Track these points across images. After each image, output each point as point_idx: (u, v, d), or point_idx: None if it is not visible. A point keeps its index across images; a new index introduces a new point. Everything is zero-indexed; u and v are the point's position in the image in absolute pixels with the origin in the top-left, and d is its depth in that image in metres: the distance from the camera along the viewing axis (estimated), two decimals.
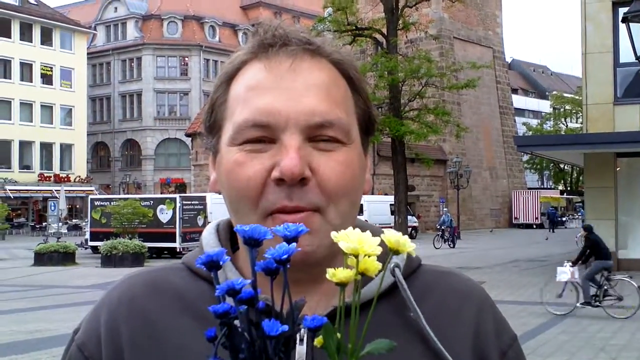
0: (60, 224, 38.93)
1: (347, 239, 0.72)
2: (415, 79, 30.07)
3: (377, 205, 39.22)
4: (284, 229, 0.71)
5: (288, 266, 0.70)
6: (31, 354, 10.42)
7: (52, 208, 37.74)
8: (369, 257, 0.72)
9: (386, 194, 36.87)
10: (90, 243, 32.39)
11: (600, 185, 21.56)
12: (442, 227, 37.60)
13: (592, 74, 21.63)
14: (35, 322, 13.38)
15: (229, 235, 1.10)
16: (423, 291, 1.05)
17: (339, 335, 0.71)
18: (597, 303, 13.20)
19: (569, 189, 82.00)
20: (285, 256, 0.68)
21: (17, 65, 61.71)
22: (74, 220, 56.95)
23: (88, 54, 68.91)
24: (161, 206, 30.82)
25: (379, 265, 0.73)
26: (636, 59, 11.67)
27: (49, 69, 63.87)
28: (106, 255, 25.83)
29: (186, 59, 71.56)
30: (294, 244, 0.70)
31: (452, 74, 33.31)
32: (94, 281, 21.02)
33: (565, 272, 13.55)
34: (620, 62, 21.34)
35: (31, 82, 62.64)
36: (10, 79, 61.13)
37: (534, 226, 61.98)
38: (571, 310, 13.26)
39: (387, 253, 0.76)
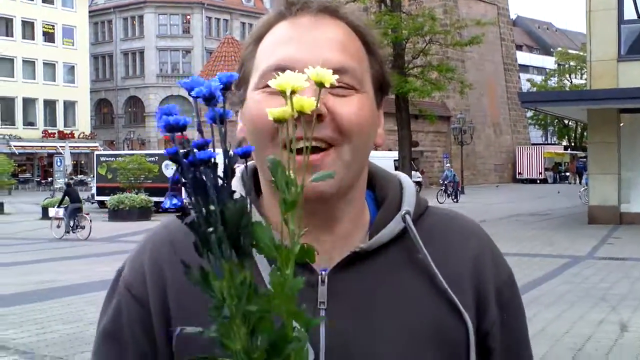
0: (66, 179, 39.21)
1: (276, 79, 0.76)
2: (419, 37, 29.99)
3: (381, 161, 38.30)
4: (217, 75, 0.76)
5: (220, 111, 0.75)
6: (44, 302, 10.66)
7: (58, 164, 37.98)
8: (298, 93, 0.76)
9: (390, 150, 36.93)
10: (97, 198, 32.75)
11: (604, 141, 21.71)
12: (445, 182, 37.84)
13: (597, 31, 21.60)
14: (48, 273, 13.65)
15: (252, 181, 1.17)
16: (430, 233, 1.15)
17: (289, 173, 0.74)
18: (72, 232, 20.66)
19: (573, 144, 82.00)
20: (207, 92, 0.74)
21: (19, 24, 61.47)
22: (79, 176, 57.26)
23: (90, 12, 68.52)
24: (166, 162, 31.02)
25: (313, 100, 0.76)
26: (638, 18, 11.70)
27: (51, 27, 63.63)
28: (113, 210, 26.14)
29: (188, 16, 71.09)
30: (219, 83, 0.75)
31: (456, 31, 33.17)
32: (104, 234, 21.31)
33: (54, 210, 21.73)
34: (625, 19, 21.32)
35: (33, 40, 62.43)
36: (12, 37, 60.92)
37: (538, 181, 62.19)
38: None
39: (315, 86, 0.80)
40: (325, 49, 1.05)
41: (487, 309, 1.15)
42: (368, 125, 1.07)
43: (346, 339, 1.04)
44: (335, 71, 0.96)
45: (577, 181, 55.76)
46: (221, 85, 0.75)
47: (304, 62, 1.01)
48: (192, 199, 0.74)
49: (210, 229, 0.72)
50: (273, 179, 0.74)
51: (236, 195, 0.73)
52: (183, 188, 0.74)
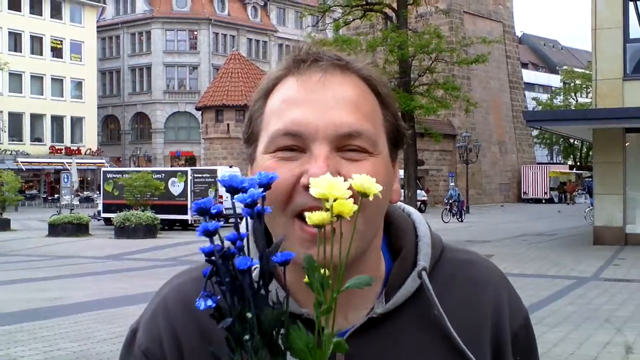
0: (72, 195, 39.30)
1: (316, 184, 0.78)
2: (425, 54, 30.09)
3: None
4: (257, 175, 0.80)
5: (259, 209, 0.79)
6: (53, 319, 10.66)
7: (65, 180, 38.02)
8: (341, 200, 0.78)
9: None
10: (103, 215, 32.82)
11: (609, 161, 21.67)
12: (450, 202, 37.82)
13: (602, 50, 21.64)
14: (56, 290, 13.67)
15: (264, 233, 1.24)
16: (446, 286, 1.13)
17: (322, 270, 0.76)
18: None
19: (578, 164, 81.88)
20: (249, 200, 0.77)
21: (28, 39, 61.86)
22: (85, 192, 57.38)
23: (97, 27, 68.92)
24: (172, 179, 31.20)
25: (354, 206, 0.77)
26: None
27: (59, 42, 64.01)
28: (119, 227, 26.19)
29: (195, 32, 71.45)
30: (261, 189, 0.78)
31: (462, 49, 33.30)
32: (109, 252, 21.37)
33: None
34: (630, 37, 21.37)
35: (41, 55, 62.78)
36: (21, 52, 61.29)
37: (543, 201, 62.08)
38: None
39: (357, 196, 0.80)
40: (337, 111, 1.02)
41: (503, 356, 1.15)
42: (383, 191, 1.00)
43: None
44: (349, 135, 1.01)
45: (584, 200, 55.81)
46: (263, 193, 0.78)
47: (314, 127, 1.01)
48: (228, 300, 0.77)
49: (247, 337, 0.75)
50: (308, 279, 0.76)
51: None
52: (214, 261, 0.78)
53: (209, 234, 0.78)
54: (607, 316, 10.78)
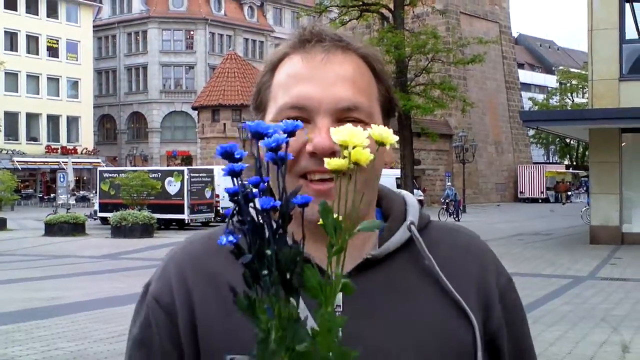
0: (68, 195, 39.27)
1: (338, 132, 0.83)
2: (422, 54, 30.13)
3: (384, 179, 37.38)
4: (283, 123, 0.84)
5: (284, 155, 0.82)
6: (50, 319, 10.66)
7: (62, 179, 38.03)
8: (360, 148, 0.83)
9: (392, 168, 37.11)
10: (99, 214, 32.79)
11: (606, 160, 21.73)
12: (447, 201, 37.86)
13: (598, 50, 21.69)
14: (52, 289, 13.66)
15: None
16: (434, 242, 1.24)
17: (336, 215, 0.81)
18: None
19: (574, 163, 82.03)
20: (274, 144, 0.81)
21: (24, 38, 61.83)
22: (81, 192, 57.32)
23: (94, 27, 68.86)
24: (169, 178, 31.15)
25: (370, 155, 0.82)
26: (639, 37, 11.83)
27: (55, 41, 63.96)
28: (116, 226, 26.17)
29: (192, 32, 71.42)
30: (285, 135, 0.82)
31: (459, 50, 33.34)
32: (106, 251, 21.36)
33: None
34: (626, 38, 21.43)
35: (37, 54, 62.73)
36: (16, 51, 61.22)
37: (540, 200, 62.19)
38: None
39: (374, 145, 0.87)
40: (337, 87, 1.14)
41: (492, 310, 1.24)
42: (379, 155, 1.14)
43: (361, 339, 1.09)
44: (347, 109, 1.14)
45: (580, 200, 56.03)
46: (287, 139, 0.83)
47: (317, 100, 1.13)
48: (249, 239, 0.82)
49: (265, 272, 0.80)
50: (322, 222, 0.81)
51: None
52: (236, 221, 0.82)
53: (235, 174, 0.82)
54: (604, 315, 10.81)
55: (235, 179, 0.82)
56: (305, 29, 1.21)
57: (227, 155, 0.82)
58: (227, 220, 0.83)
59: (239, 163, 0.82)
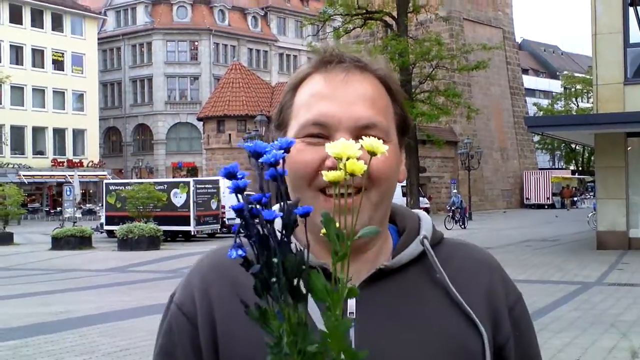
0: (75, 208, 39.31)
1: (332, 146, 0.88)
2: (426, 61, 30.18)
3: None
4: (277, 141, 0.89)
5: (281, 170, 0.87)
6: (58, 334, 10.65)
7: (68, 193, 38.09)
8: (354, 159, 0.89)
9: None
10: (106, 227, 32.80)
11: (611, 165, 21.67)
12: (453, 208, 37.80)
13: (602, 55, 21.67)
14: (60, 304, 13.65)
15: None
16: (446, 258, 1.29)
17: (337, 224, 0.86)
18: None
19: (580, 169, 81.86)
20: (273, 159, 0.86)
21: (29, 52, 62.08)
22: (87, 205, 57.39)
23: (98, 39, 69.08)
24: (175, 190, 31.17)
25: (364, 166, 0.87)
26: None
27: (60, 54, 64.19)
28: (122, 239, 26.17)
29: (196, 43, 71.63)
30: (282, 151, 0.87)
31: (463, 56, 33.38)
32: (113, 264, 21.38)
33: None
34: (631, 42, 21.39)
35: (43, 68, 62.97)
36: (22, 65, 61.48)
37: (546, 206, 62.03)
38: None
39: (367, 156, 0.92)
40: (357, 106, 1.20)
41: (501, 324, 1.28)
42: (393, 172, 1.22)
43: (374, 346, 1.12)
44: (366, 127, 1.19)
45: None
46: (284, 154, 0.88)
47: (338, 119, 1.19)
48: (256, 251, 0.87)
49: (274, 279, 0.85)
50: (325, 232, 0.86)
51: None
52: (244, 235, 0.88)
53: (240, 190, 0.88)
54: (612, 321, 10.77)
55: (239, 195, 0.88)
56: (327, 50, 1.27)
57: (230, 176, 0.88)
58: (235, 234, 0.89)
59: (243, 180, 0.88)
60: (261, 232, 0.86)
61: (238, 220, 0.88)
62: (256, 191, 0.91)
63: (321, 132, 1.19)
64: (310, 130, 1.20)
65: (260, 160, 0.87)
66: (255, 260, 0.87)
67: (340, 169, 0.88)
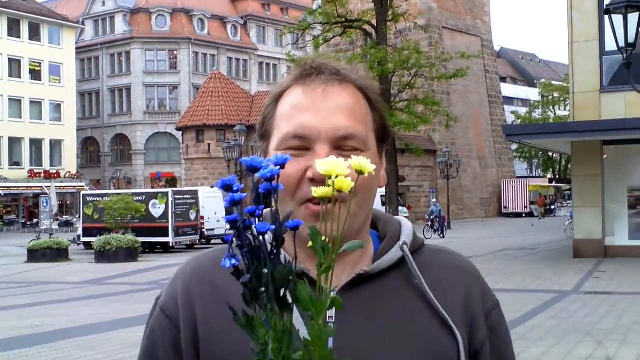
0: (51, 220, 38.99)
1: (322, 163, 0.93)
2: (405, 70, 30.28)
3: None
4: (274, 157, 0.94)
5: (275, 185, 0.92)
6: (34, 347, 10.52)
7: (45, 204, 37.82)
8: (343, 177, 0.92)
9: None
10: (83, 239, 32.42)
11: (588, 173, 21.81)
12: (432, 218, 37.90)
13: (579, 63, 21.82)
14: (35, 317, 13.50)
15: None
16: (425, 263, 1.32)
17: (324, 238, 0.91)
18: None
19: (557, 177, 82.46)
20: (269, 175, 0.91)
21: (6, 61, 61.57)
22: (64, 217, 56.91)
23: (76, 48, 68.73)
24: (153, 201, 30.93)
25: (351, 183, 0.92)
26: (618, 50, 11.95)
27: (38, 64, 63.75)
28: (100, 251, 25.91)
29: (175, 52, 71.51)
30: (278, 167, 0.92)
31: (442, 64, 33.54)
32: (90, 277, 21.17)
33: None
34: (606, 50, 21.55)
35: (20, 77, 62.49)
36: None
37: (523, 215, 62.39)
38: None
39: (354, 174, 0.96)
40: (336, 117, 1.23)
41: (477, 329, 1.31)
42: (372, 181, 1.21)
43: (353, 350, 1.16)
44: (344, 137, 1.23)
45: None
46: (280, 170, 0.92)
47: (317, 130, 1.22)
48: (247, 261, 0.91)
49: (262, 289, 0.89)
50: (312, 244, 0.91)
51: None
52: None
53: (235, 203, 0.92)
54: (589, 329, 10.83)
55: (236, 207, 0.92)
56: (307, 63, 1.30)
57: (227, 188, 0.92)
58: (229, 244, 0.93)
59: (239, 193, 0.91)
60: (253, 243, 0.91)
61: (222, 232, 0.91)
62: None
63: (301, 144, 1.22)
64: (291, 143, 1.23)
65: (257, 175, 0.91)
66: (245, 270, 0.91)
67: (329, 185, 0.91)
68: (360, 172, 0.95)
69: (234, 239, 0.92)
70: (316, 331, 0.88)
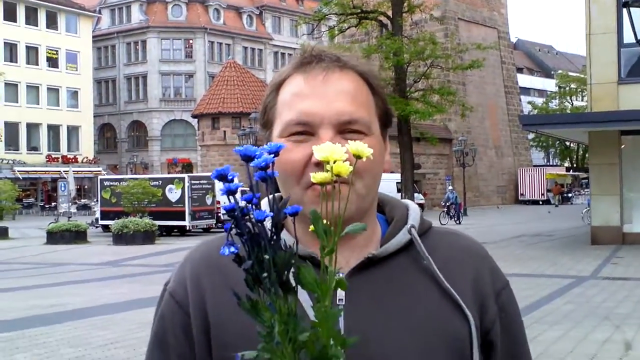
0: (70, 203, 39.28)
1: (319, 149, 0.93)
2: (421, 60, 30.22)
3: (384, 183, 37.59)
4: (268, 145, 0.94)
5: (270, 173, 0.92)
6: (51, 326, 10.66)
7: (63, 188, 38.03)
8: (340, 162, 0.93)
9: (392, 172, 37.14)
10: (101, 222, 32.83)
11: (605, 162, 21.78)
12: (448, 204, 37.95)
13: (597, 55, 21.73)
14: (55, 297, 13.65)
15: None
16: (434, 246, 1.31)
17: (324, 221, 0.91)
18: None
19: (574, 165, 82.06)
20: (263, 163, 0.90)
21: (23, 49, 61.92)
22: (82, 200, 57.32)
23: (93, 37, 68.96)
24: (170, 186, 31.19)
25: (350, 167, 0.92)
26: (636, 42, 11.88)
27: (55, 52, 64.06)
28: (117, 234, 26.20)
29: (191, 41, 71.56)
30: (272, 155, 0.92)
31: (457, 55, 33.40)
32: (108, 258, 21.37)
33: None
34: (625, 42, 21.46)
35: (37, 65, 62.84)
36: (16, 62, 61.34)
37: (540, 202, 62.26)
38: None
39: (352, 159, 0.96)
40: (338, 102, 1.23)
41: (487, 309, 1.30)
42: (377, 163, 1.23)
43: (363, 332, 1.15)
44: (348, 122, 1.23)
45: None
46: (274, 158, 0.92)
47: (320, 116, 1.22)
48: (248, 248, 0.91)
49: (265, 275, 0.90)
50: (314, 228, 0.91)
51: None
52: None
53: (231, 192, 0.91)
54: (606, 314, 10.80)
55: (231, 196, 0.91)
56: (306, 51, 1.30)
57: (222, 177, 0.91)
58: (227, 232, 0.93)
59: (235, 182, 0.91)
60: (252, 231, 0.90)
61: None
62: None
63: (305, 129, 1.22)
64: (294, 129, 1.23)
65: (251, 164, 0.91)
66: (246, 256, 0.91)
67: (327, 170, 0.92)
68: (358, 157, 0.96)
69: (233, 227, 0.92)
70: (322, 313, 0.89)
